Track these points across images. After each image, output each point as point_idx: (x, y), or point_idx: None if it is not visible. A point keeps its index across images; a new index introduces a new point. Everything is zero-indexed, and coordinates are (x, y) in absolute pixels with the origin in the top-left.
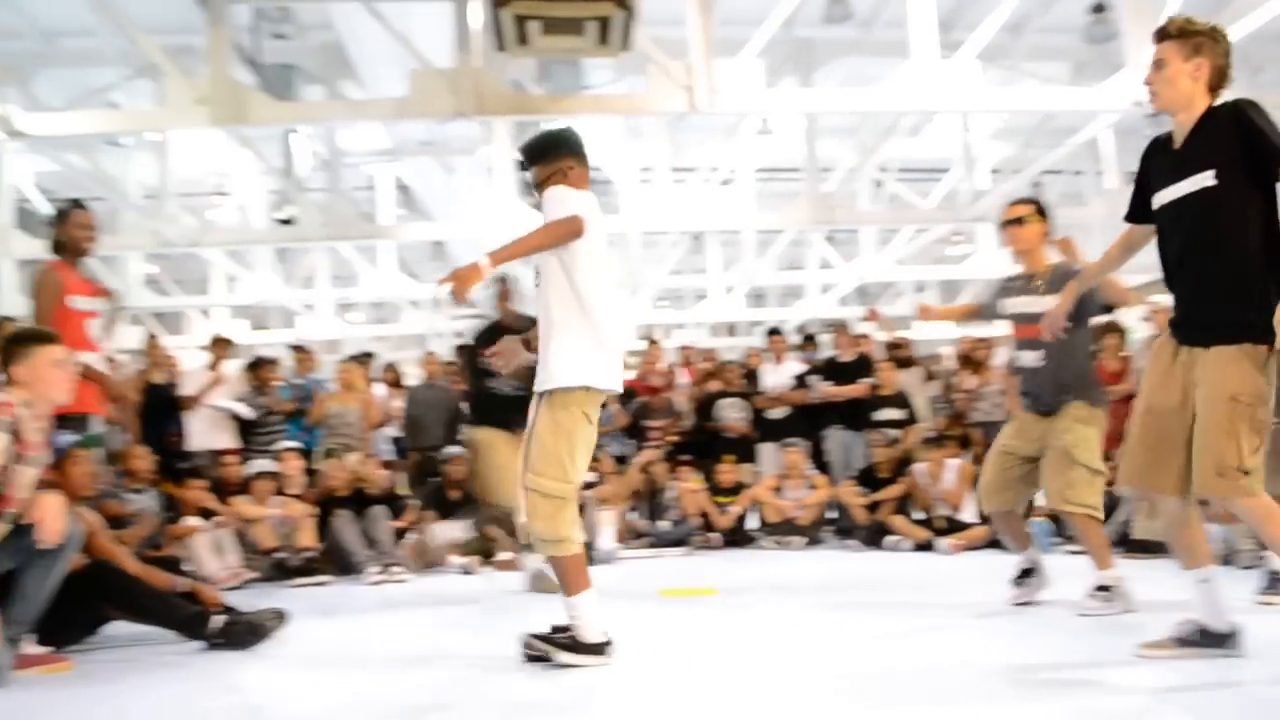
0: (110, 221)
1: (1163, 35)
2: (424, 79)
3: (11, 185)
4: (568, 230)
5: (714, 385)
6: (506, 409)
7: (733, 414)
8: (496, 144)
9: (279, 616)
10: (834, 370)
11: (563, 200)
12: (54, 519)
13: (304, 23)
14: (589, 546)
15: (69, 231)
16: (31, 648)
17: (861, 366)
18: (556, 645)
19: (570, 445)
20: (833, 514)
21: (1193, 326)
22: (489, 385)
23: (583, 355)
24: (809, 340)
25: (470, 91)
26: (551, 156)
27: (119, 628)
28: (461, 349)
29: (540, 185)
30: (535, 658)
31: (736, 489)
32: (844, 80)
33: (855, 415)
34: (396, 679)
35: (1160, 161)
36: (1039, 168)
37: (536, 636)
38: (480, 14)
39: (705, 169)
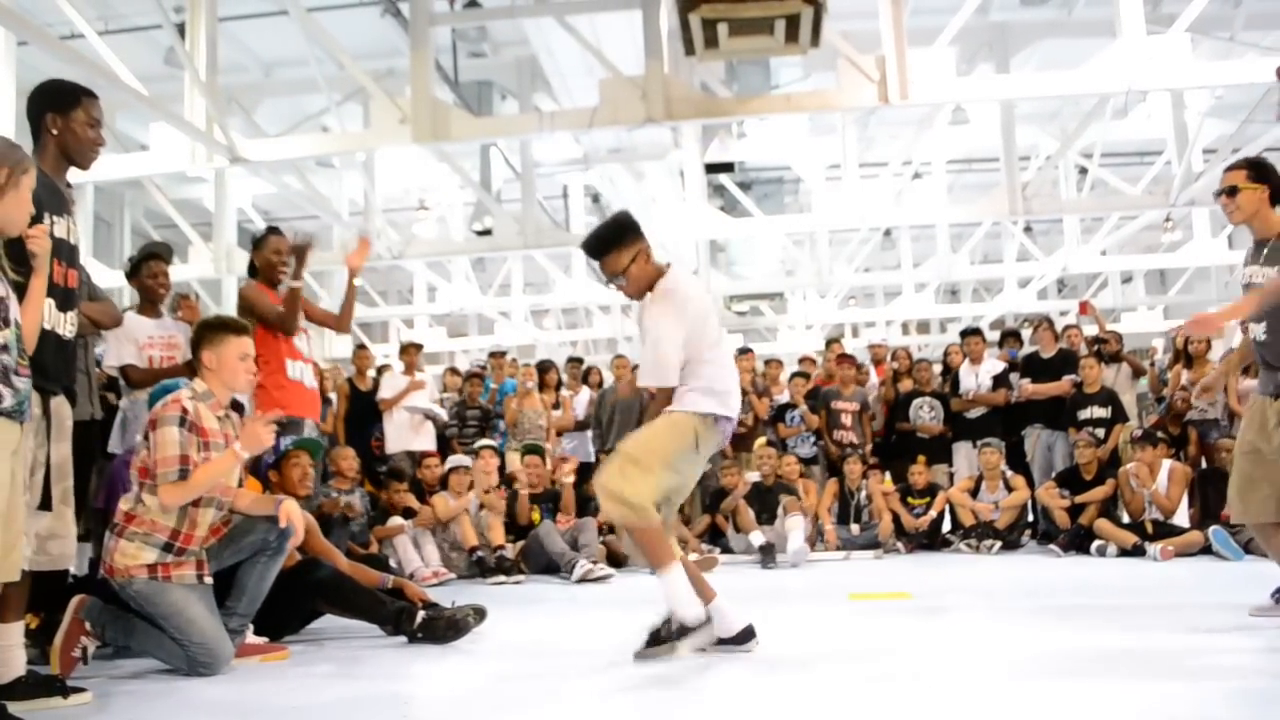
0: (322, 238)
1: None
2: (614, 87)
3: (234, 207)
4: (666, 393)
5: (906, 385)
6: None
7: (925, 414)
8: (686, 148)
9: (479, 613)
10: (1035, 366)
11: (658, 356)
12: (301, 521)
13: (499, 40)
14: (772, 548)
15: (265, 256)
16: (251, 638)
17: (1064, 362)
18: (665, 641)
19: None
20: (1032, 518)
21: None
22: None
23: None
24: (1012, 336)
25: (659, 97)
26: (628, 240)
27: (330, 621)
28: None
29: (621, 271)
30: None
31: (930, 491)
32: (1042, 64)
33: (1057, 414)
34: (582, 677)
35: None
36: (1260, 146)
37: (646, 647)
38: (669, 20)
39: (896, 163)
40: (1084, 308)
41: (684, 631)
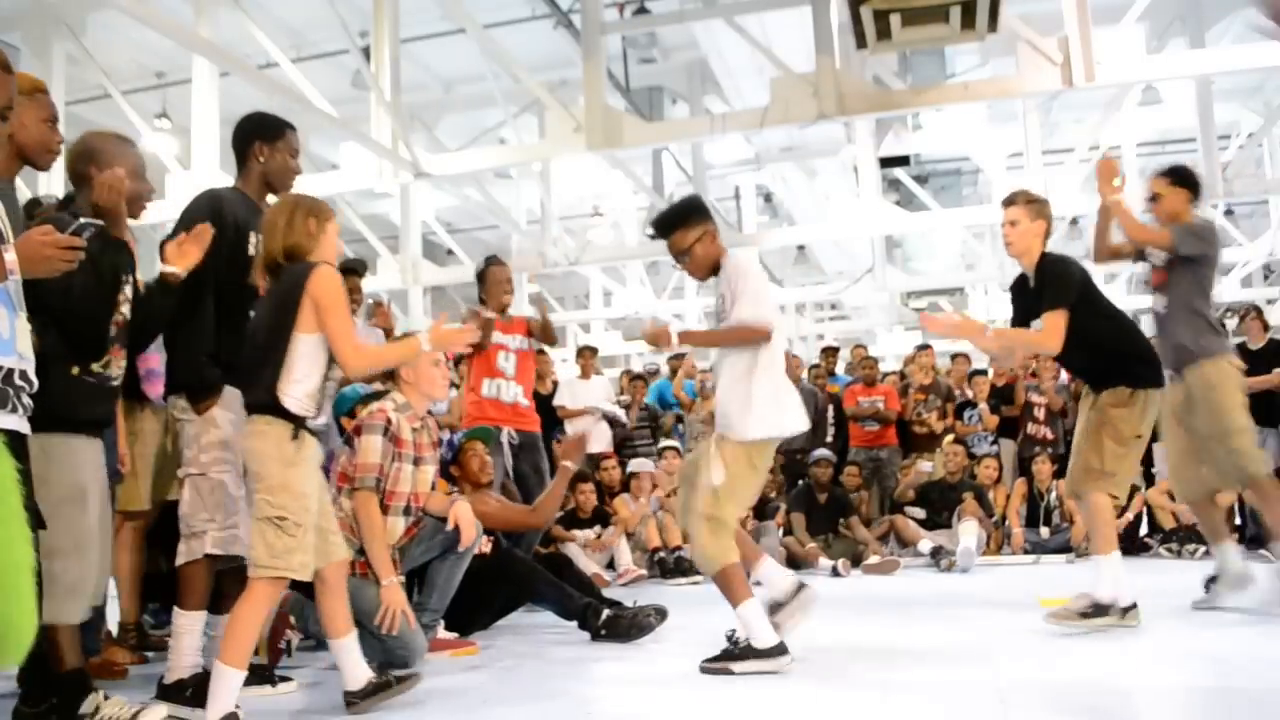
0: (501, 247)
1: None
2: (785, 86)
3: (419, 220)
4: (756, 338)
5: None
6: None
7: None
8: (859, 143)
9: (660, 613)
10: (1242, 359)
11: (758, 299)
12: (469, 524)
13: (668, 45)
14: (944, 551)
15: (489, 288)
16: (441, 633)
17: (1275, 354)
18: (730, 658)
19: (747, 486)
20: (1240, 521)
21: None
22: None
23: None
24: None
25: (831, 93)
26: (693, 221)
27: (515, 618)
28: None
29: (685, 251)
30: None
31: (1127, 492)
32: (1241, 36)
33: (1269, 409)
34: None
35: None
36: None
37: (710, 661)
38: (839, 14)
39: (1082, 148)
40: None
41: (749, 654)
